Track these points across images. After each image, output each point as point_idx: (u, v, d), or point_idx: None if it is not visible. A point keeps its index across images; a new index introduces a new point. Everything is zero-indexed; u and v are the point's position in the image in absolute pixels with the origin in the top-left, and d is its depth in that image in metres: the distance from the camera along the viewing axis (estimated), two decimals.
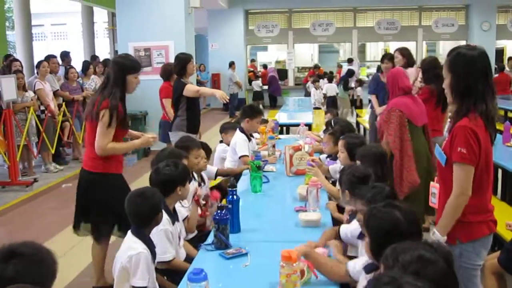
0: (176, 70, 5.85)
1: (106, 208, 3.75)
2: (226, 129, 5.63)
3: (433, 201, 2.78)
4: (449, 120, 3.09)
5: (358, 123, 10.92)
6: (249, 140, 5.19)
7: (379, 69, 8.96)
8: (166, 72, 7.06)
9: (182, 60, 5.82)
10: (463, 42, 18.87)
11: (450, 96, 2.60)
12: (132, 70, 3.79)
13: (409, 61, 6.65)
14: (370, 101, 7.63)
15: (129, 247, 2.67)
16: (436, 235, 2.59)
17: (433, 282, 1.56)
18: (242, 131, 5.15)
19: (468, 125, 2.48)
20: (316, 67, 18.25)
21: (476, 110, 2.50)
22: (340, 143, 4.07)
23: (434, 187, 2.77)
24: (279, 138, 6.00)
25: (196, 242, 3.31)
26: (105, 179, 3.80)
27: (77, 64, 11.01)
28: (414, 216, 2.16)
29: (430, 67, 5.45)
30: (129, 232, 2.77)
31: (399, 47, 7.03)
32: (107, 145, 3.69)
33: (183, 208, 3.40)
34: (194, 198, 3.48)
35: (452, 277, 1.70)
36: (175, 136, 5.56)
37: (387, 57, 7.34)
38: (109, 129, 3.66)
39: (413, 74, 6.57)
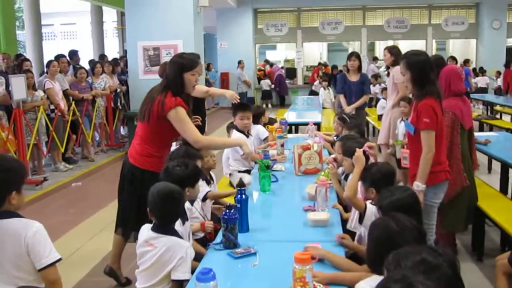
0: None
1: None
2: (230, 128, 5.60)
3: (405, 162, 3.77)
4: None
5: (367, 122, 10.86)
6: (247, 137, 5.08)
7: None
8: (163, 71, 6.95)
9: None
10: (473, 41, 18.78)
11: (412, 87, 3.58)
12: (188, 68, 3.77)
13: (397, 59, 6.62)
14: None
15: (172, 244, 2.69)
16: (417, 185, 3.44)
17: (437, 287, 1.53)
18: (237, 129, 5.14)
19: (428, 102, 3.47)
20: (320, 64, 18.22)
21: (433, 93, 3.52)
22: (337, 145, 4.04)
23: (405, 152, 3.79)
24: (287, 138, 5.98)
25: (205, 242, 3.31)
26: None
27: (86, 63, 11.06)
28: (408, 225, 2.15)
29: (437, 65, 5.40)
30: (151, 231, 2.76)
31: (388, 45, 7.04)
32: (200, 137, 3.77)
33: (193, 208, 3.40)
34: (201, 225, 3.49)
35: (457, 282, 1.67)
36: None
37: (354, 55, 7.42)
38: (188, 122, 3.71)
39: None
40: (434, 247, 1.74)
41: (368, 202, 3.03)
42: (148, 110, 3.72)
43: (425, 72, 3.54)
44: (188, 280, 2.58)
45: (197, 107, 5.61)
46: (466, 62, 16.61)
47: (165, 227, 2.76)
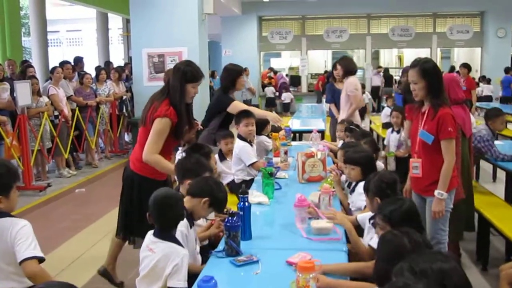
0: (224, 83, 5.47)
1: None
2: (220, 137, 5.23)
3: (415, 172, 3.66)
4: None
5: (371, 130, 10.85)
6: (250, 145, 5.05)
7: (331, 77, 8.84)
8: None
9: (234, 73, 5.43)
10: (478, 49, 18.75)
11: (424, 95, 3.55)
12: (190, 80, 3.73)
13: (347, 69, 6.73)
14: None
15: (169, 251, 2.66)
16: (441, 193, 3.47)
17: None
18: (241, 138, 5.03)
19: (448, 111, 3.49)
20: (326, 72, 18.22)
21: (445, 101, 3.55)
22: (339, 153, 4.06)
23: (416, 162, 3.66)
24: (291, 145, 5.97)
25: (207, 251, 3.28)
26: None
27: (92, 70, 11.10)
28: (420, 242, 2.11)
29: None
30: (152, 236, 2.76)
31: (339, 59, 7.19)
32: (153, 154, 3.64)
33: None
34: (211, 222, 3.46)
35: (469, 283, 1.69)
36: None
37: (338, 63, 7.32)
38: (160, 137, 3.63)
39: (352, 83, 6.65)
40: (444, 252, 1.74)
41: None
42: (145, 115, 3.74)
43: (440, 79, 3.56)
44: None
45: (226, 123, 5.41)
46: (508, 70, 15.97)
47: (164, 233, 2.74)
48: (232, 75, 5.39)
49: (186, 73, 3.73)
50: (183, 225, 2.87)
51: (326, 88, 8.29)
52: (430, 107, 3.55)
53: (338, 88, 7.31)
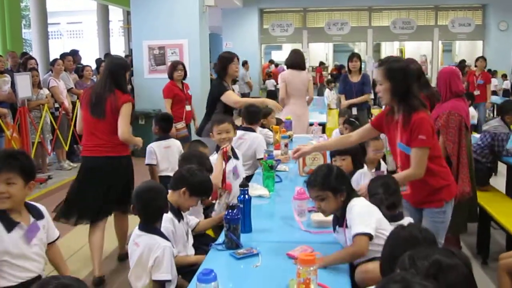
0: (217, 71, 5.49)
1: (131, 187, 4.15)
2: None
3: (402, 189, 3.14)
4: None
5: None
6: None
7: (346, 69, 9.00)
8: (170, 69, 6.94)
9: (224, 60, 5.43)
10: (480, 42, 18.70)
11: (388, 98, 3.12)
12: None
13: (293, 66, 6.80)
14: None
15: (151, 243, 2.68)
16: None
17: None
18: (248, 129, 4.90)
19: (423, 116, 3.04)
20: (322, 64, 18.25)
21: (421, 105, 3.08)
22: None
23: None
24: (291, 139, 5.94)
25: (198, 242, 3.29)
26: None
27: (92, 62, 11.08)
28: (433, 237, 2.08)
29: (418, 76, 5.24)
30: (137, 230, 2.79)
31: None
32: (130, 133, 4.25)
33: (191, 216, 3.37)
34: (222, 150, 3.62)
35: (472, 282, 1.67)
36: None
37: (355, 56, 7.53)
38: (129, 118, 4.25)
39: (304, 79, 6.78)
40: (449, 249, 1.73)
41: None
42: (103, 108, 4.13)
43: (407, 82, 3.09)
44: (169, 281, 2.65)
45: (227, 113, 5.23)
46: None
47: (147, 225, 2.77)
48: (223, 62, 5.41)
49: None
50: (167, 220, 2.89)
51: (340, 79, 8.50)
52: (402, 114, 3.13)
53: (351, 80, 7.34)
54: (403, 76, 3.08)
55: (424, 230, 2.09)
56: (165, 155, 5.03)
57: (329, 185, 2.63)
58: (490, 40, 18.13)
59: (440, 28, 18.60)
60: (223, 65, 5.39)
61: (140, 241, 2.73)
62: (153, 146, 5.02)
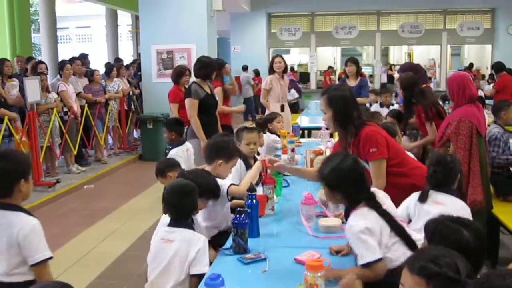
0: (197, 73, 5.74)
1: None
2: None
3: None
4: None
5: None
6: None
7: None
8: (174, 74, 6.96)
9: (205, 65, 5.74)
10: (488, 46, 18.59)
11: (333, 126, 3.32)
12: None
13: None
14: None
15: (189, 236, 2.68)
16: None
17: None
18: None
19: (369, 129, 3.20)
20: (330, 68, 18.25)
21: (359, 122, 3.23)
22: None
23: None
24: (300, 143, 5.93)
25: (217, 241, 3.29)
26: None
27: (101, 66, 11.12)
28: (483, 235, 2.06)
29: (412, 85, 5.17)
30: (167, 227, 2.75)
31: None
32: None
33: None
34: (263, 160, 3.61)
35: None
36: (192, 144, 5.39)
37: (350, 60, 7.63)
38: None
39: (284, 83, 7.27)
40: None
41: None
42: None
43: (347, 108, 3.23)
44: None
45: (203, 112, 5.64)
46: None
47: (180, 221, 2.75)
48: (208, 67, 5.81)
49: None
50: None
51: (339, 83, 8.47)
52: (351, 136, 3.27)
53: (349, 84, 7.38)
54: (343, 103, 3.23)
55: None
56: (186, 158, 5.11)
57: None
58: (499, 44, 18.02)
59: (448, 32, 18.50)
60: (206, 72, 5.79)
61: (174, 237, 2.68)
62: (179, 153, 5.00)
